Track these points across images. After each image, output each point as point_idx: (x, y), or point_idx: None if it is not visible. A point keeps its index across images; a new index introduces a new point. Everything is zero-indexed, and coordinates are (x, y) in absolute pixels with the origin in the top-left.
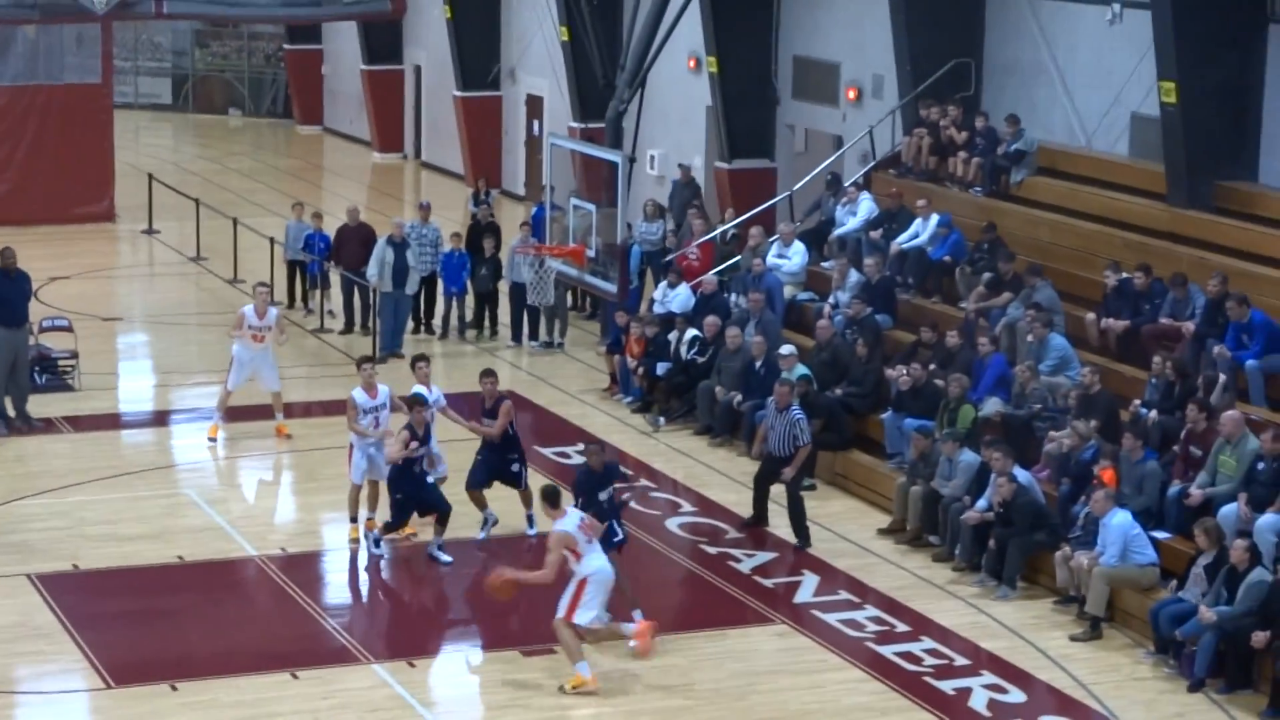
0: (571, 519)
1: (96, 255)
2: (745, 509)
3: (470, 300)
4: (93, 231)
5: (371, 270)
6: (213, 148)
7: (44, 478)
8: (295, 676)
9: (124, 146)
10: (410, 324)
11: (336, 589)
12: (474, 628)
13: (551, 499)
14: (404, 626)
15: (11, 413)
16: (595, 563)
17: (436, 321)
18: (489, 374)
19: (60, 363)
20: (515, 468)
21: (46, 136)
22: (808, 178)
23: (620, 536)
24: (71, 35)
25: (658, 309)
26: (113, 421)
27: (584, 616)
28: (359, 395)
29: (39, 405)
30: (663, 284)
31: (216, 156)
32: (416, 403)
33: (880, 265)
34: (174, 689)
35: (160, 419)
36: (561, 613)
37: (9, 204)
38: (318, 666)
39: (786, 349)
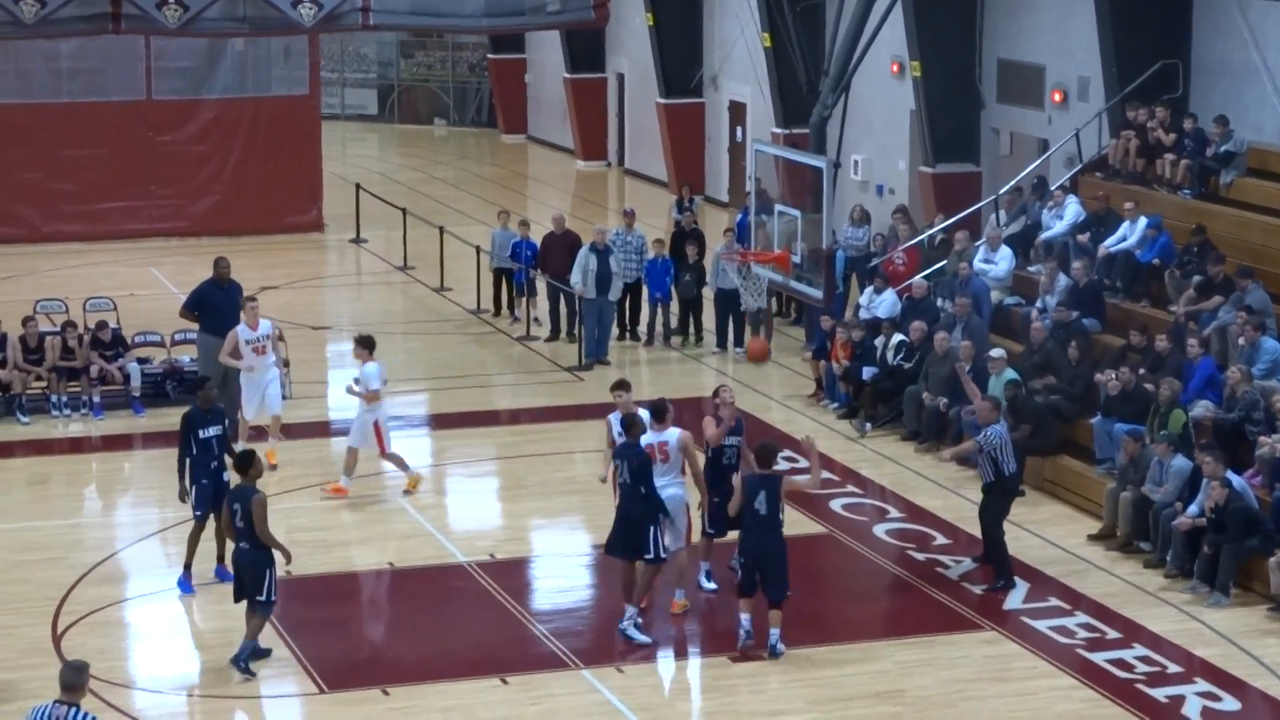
0: (675, 431)
1: (305, 265)
2: (952, 514)
3: (675, 306)
4: (301, 241)
5: (575, 277)
6: (418, 157)
7: None
8: (504, 682)
9: (331, 157)
10: (616, 330)
11: (545, 594)
12: (684, 633)
13: (660, 413)
14: (613, 632)
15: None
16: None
17: (641, 328)
18: (720, 391)
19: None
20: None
21: (255, 148)
22: (1013, 181)
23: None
24: (279, 48)
25: (863, 314)
26: (322, 429)
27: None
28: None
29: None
30: (868, 289)
31: (422, 166)
32: (634, 425)
33: (1088, 269)
34: (385, 694)
35: None
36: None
37: (219, 215)
38: (527, 672)
39: (996, 352)
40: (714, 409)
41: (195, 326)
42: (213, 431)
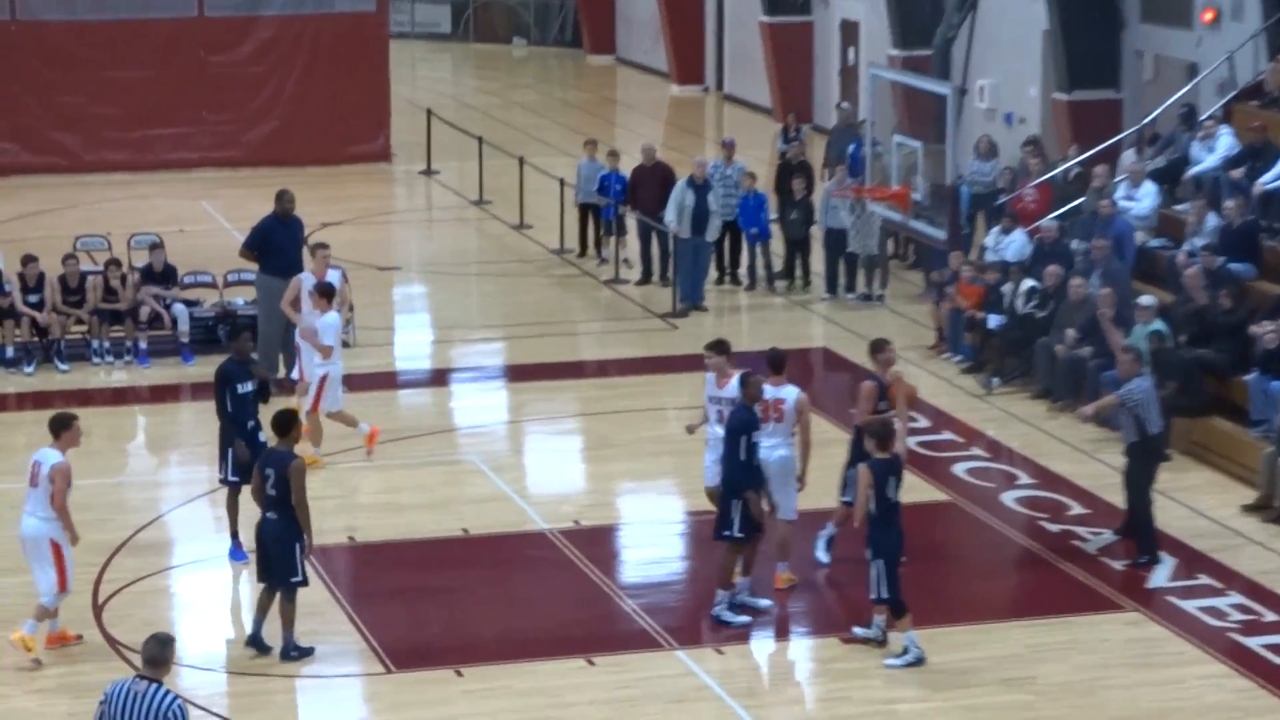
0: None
1: (371, 199)
2: (1090, 480)
3: (780, 248)
4: (367, 172)
5: (670, 214)
6: (496, 80)
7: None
8: (591, 663)
9: (400, 80)
10: (714, 273)
11: (635, 566)
12: (788, 611)
13: (779, 365)
14: (710, 608)
15: (282, 371)
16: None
17: (742, 271)
18: (880, 348)
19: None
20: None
21: (317, 70)
22: (1158, 110)
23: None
24: None
25: (990, 257)
26: (389, 380)
27: None
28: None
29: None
30: (995, 230)
31: (500, 90)
32: (750, 386)
33: (1242, 208)
34: (459, 674)
35: (440, 378)
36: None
37: (276, 143)
38: (616, 652)
39: (1146, 299)
40: (883, 370)
41: (254, 266)
42: (251, 386)
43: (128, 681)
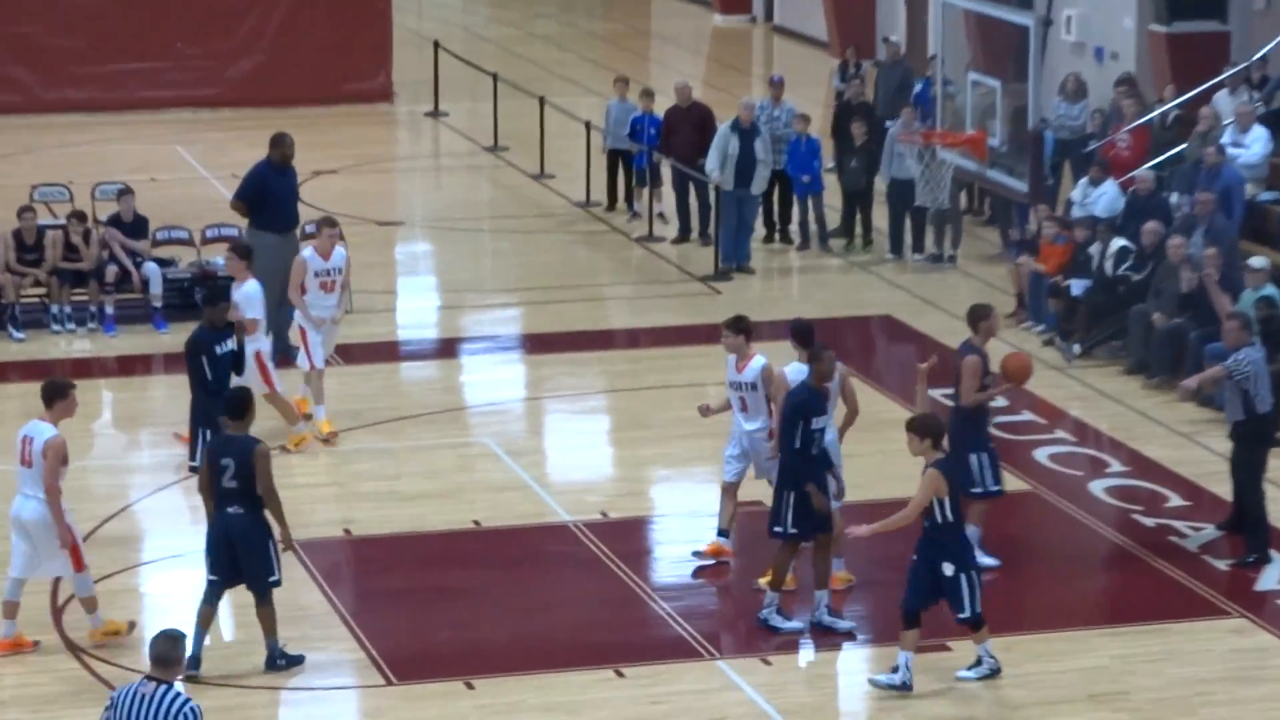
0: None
1: (370, 144)
2: (1191, 468)
3: (836, 201)
4: (365, 114)
5: (711, 163)
6: (512, 9)
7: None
8: (620, 674)
9: (404, 8)
10: (762, 231)
11: (670, 564)
12: (849, 615)
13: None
14: (758, 612)
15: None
16: None
17: (794, 227)
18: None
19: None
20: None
21: None
22: (1271, 44)
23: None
24: None
25: (1077, 212)
26: (390, 351)
27: None
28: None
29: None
30: (1083, 181)
31: (517, 20)
32: (821, 361)
33: None
34: (469, 687)
35: (448, 349)
36: None
37: (262, 80)
38: (648, 662)
39: (1257, 261)
40: (985, 341)
41: (243, 221)
42: (229, 346)
43: (135, 685)
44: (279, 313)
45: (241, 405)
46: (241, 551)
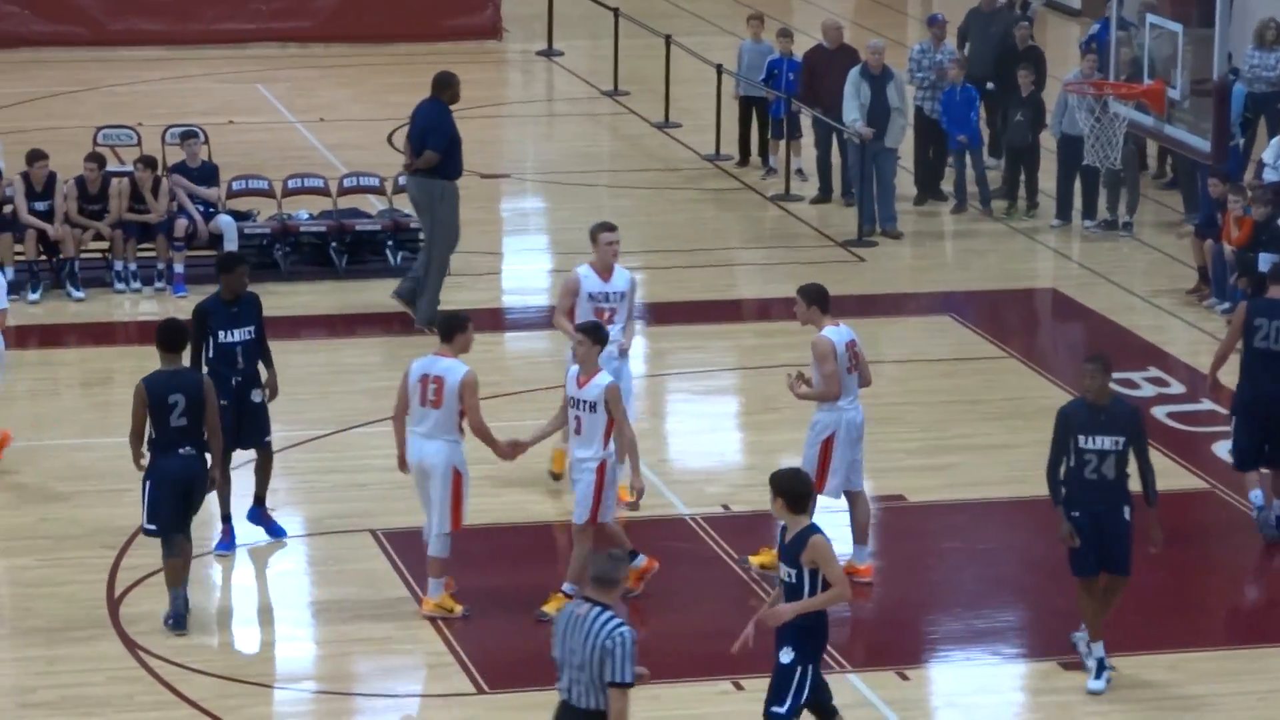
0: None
1: (474, 86)
2: None
3: (992, 158)
4: (470, 53)
5: (851, 112)
6: None
7: (390, 396)
8: (739, 687)
9: None
10: (914, 191)
11: None
12: (995, 625)
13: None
14: (894, 622)
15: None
16: None
17: (948, 186)
18: None
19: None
20: None
21: None
22: None
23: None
24: None
25: (1269, 175)
26: (493, 320)
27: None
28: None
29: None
30: (1277, 140)
31: None
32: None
33: None
34: None
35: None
36: None
37: (355, 14)
38: (770, 674)
39: None
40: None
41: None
42: (239, 336)
43: (571, 605)
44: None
45: (176, 333)
46: (196, 494)
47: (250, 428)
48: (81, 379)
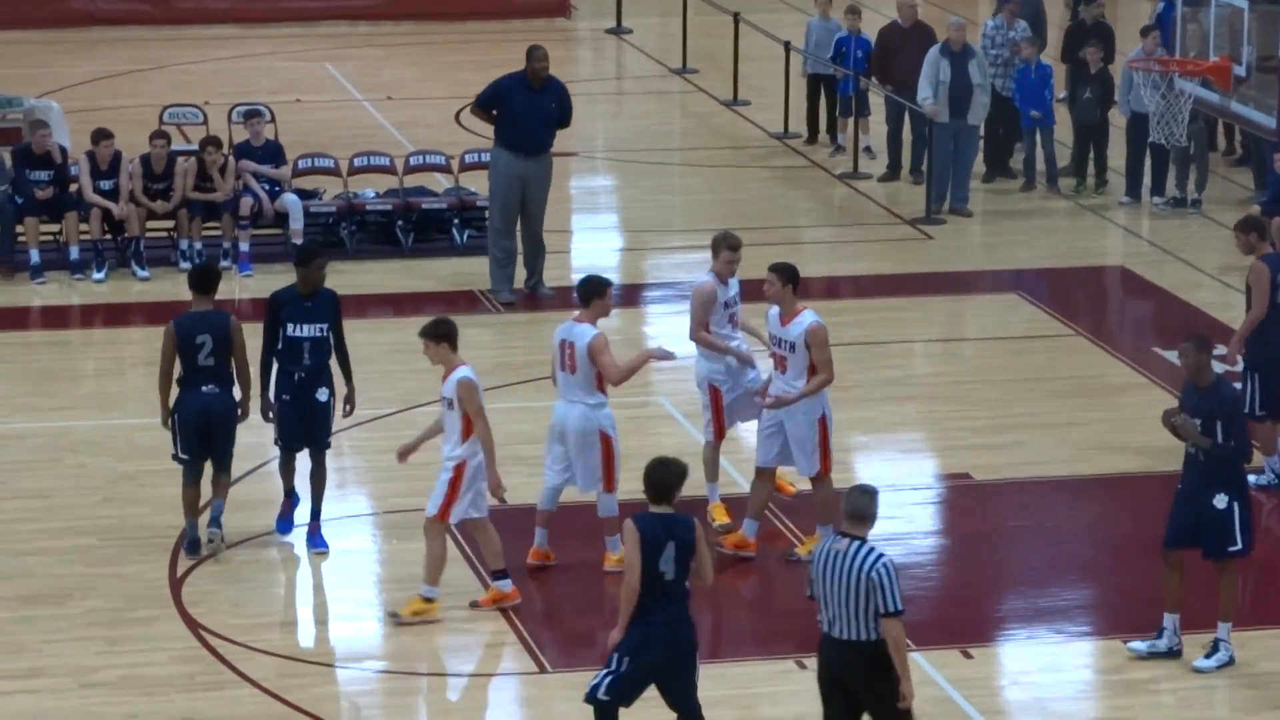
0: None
1: None
2: None
3: (1067, 136)
4: (539, 30)
5: (925, 91)
6: None
7: None
8: (801, 666)
9: None
10: (982, 168)
11: None
12: (1060, 604)
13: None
14: (958, 601)
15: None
16: None
17: (1018, 164)
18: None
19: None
20: None
21: None
22: None
23: None
24: None
25: None
26: (561, 298)
27: None
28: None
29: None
30: None
31: None
32: None
33: None
34: None
35: (628, 296)
36: None
37: None
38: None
39: None
40: None
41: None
42: (308, 331)
43: (829, 540)
44: (507, 240)
45: (209, 277)
46: (217, 433)
47: (313, 426)
48: (146, 358)
